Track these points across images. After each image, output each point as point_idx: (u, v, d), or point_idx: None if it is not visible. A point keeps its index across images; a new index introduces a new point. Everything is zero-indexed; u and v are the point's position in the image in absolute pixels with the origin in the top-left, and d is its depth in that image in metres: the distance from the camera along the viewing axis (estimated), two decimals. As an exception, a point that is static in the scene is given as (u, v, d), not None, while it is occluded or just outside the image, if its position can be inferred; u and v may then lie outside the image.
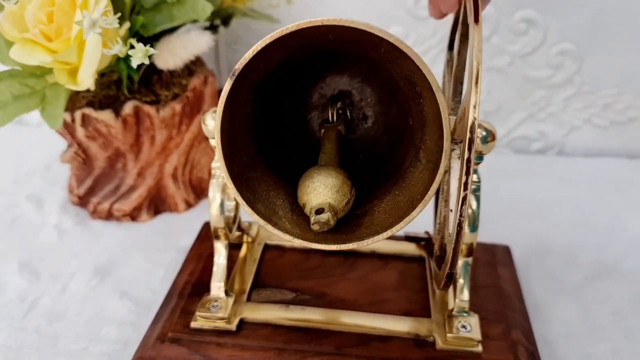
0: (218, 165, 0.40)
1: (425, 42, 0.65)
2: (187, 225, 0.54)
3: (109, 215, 0.55)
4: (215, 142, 0.32)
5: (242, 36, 0.68)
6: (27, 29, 0.40)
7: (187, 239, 0.52)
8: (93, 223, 0.55)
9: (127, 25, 0.43)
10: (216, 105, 0.56)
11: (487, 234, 0.53)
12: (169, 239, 0.53)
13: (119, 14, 0.38)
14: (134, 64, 0.37)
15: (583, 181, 0.64)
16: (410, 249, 0.46)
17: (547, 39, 0.64)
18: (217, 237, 0.40)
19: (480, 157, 0.37)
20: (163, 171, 0.55)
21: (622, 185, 0.63)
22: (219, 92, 0.61)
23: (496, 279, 0.44)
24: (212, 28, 0.57)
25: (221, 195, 0.39)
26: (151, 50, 0.37)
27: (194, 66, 0.55)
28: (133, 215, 0.55)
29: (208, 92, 0.54)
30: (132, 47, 0.37)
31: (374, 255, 0.46)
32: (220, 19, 0.57)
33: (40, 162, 0.63)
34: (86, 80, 0.41)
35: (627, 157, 0.69)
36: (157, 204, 0.56)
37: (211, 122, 0.38)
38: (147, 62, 0.38)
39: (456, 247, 0.31)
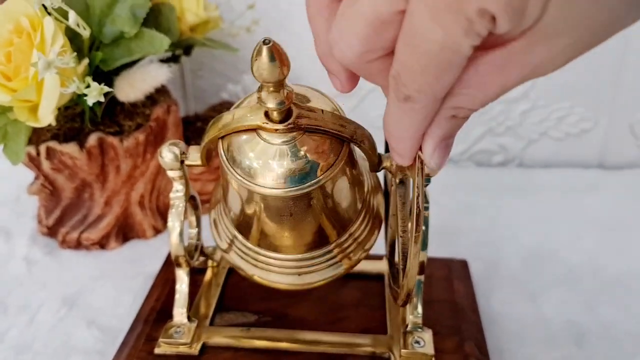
0: (177, 195, 0.41)
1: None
2: (155, 251, 0.55)
3: (78, 245, 0.56)
4: None
5: (206, 63, 0.70)
6: (-14, 70, 0.42)
7: (156, 265, 0.53)
8: (62, 253, 0.56)
9: (85, 61, 0.45)
10: (180, 133, 0.58)
11: (447, 248, 0.55)
12: (137, 265, 0.54)
13: (75, 54, 0.40)
14: (90, 102, 0.39)
15: (541, 192, 0.67)
16: (369, 268, 0.47)
17: (501, 56, 0.67)
18: (179, 265, 0.41)
19: (428, 179, 0.39)
20: (130, 199, 0.56)
21: (577, 195, 0.66)
22: (183, 119, 0.63)
23: (452, 293, 0.46)
24: (174, 58, 0.59)
25: (181, 224, 0.40)
26: (105, 89, 0.38)
27: (157, 95, 0.56)
28: (102, 244, 0.56)
29: (171, 121, 0.56)
30: (88, 85, 0.39)
31: (334, 275, 0.47)
32: (181, 49, 0.58)
33: (8, 193, 0.64)
34: (46, 117, 0.42)
35: (582, 168, 0.72)
36: (125, 231, 0.58)
37: (167, 155, 0.39)
38: (102, 99, 0.39)
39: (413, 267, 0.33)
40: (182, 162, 0.39)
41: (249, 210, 0.36)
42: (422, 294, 0.40)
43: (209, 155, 0.40)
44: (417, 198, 0.29)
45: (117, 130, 0.53)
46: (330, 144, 0.33)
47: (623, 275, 0.52)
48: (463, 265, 0.50)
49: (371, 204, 0.40)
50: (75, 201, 0.55)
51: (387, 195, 0.44)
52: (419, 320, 0.40)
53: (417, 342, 0.39)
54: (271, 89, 0.30)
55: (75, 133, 0.52)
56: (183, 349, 0.39)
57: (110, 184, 0.54)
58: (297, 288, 0.38)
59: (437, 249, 0.54)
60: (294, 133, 0.33)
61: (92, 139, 0.51)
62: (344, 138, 0.34)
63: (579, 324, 0.47)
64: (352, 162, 0.36)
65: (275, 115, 0.32)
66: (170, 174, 0.40)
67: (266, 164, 0.33)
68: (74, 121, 0.53)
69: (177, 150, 0.39)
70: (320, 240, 0.37)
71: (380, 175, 0.44)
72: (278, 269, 0.37)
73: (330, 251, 0.38)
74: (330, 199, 0.35)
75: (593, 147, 0.72)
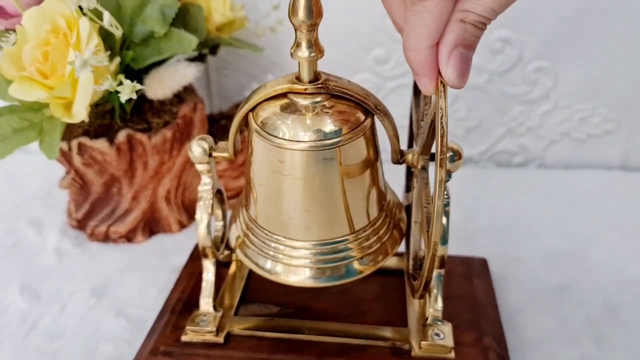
0: (205, 188, 0.43)
1: (405, 65, 0.68)
2: (180, 245, 0.57)
3: (106, 238, 0.58)
4: None
5: (230, 62, 0.71)
6: (24, 68, 0.43)
7: (180, 258, 0.54)
8: (91, 245, 0.58)
9: (117, 60, 0.46)
10: (205, 130, 0.59)
11: (467, 247, 0.56)
12: (163, 258, 0.55)
13: (109, 52, 0.41)
14: (123, 99, 0.40)
15: (562, 193, 0.67)
16: (390, 263, 0.48)
17: (522, 57, 0.67)
18: (205, 256, 0.43)
19: (449, 174, 0.40)
20: (156, 194, 0.58)
21: (599, 196, 0.65)
22: (208, 117, 0.65)
23: (471, 289, 0.46)
24: (201, 57, 0.60)
25: (208, 217, 0.42)
26: (138, 86, 0.40)
27: (184, 93, 0.58)
28: (129, 237, 0.58)
29: (197, 118, 0.57)
30: (121, 83, 0.40)
31: (355, 270, 0.48)
32: (208, 49, 0.60)
33: (40, 187, 0.66)
34: (80, 113, 0.44)
35: (604, 169, 0.72)
36: (151, 225, 0.59)
37: (197, 149, 0.41)
38: (134, 97, 0.40)
39: (432, 260, 0.34)
40: (210, 155, 0.41)
41: (278, 182, 0.37)
42: (442, 288, 0.41)
43: (235, 150, 0.41)
44: (441, 119, 0.31)
45: (145, 127, 0.54)
46: (355, 111, 0.36)
47: (643, 275, 0.52)
48: (483, 263, 0.51)
49: (393, 212, 0.41)
50: (104, 196, 0.57)
51: (408, 211, 0.44)
52: (439, 314, 0.41)
53: (437, 335, 0.40)
54: (305, 30, 0.33)
55: (105, 130, 0.54)
56: (209, 337, 0.41)
57: (138, 179, 0.56)
58: (315, 285, 0.39)
59: (457, 247, 0.55)
60: (322, 96, 0.36)
61: (122, 136, 0.52)
62: (368, 106, 0.37)
63: (599, 323, 0.47)
64: (375, 147, 0.38)
65: (305, 71, 0.35)
66: (199, 167, 0.41)
67: (293, 122, 0.35)
68: (104, 118, 0.54)
69: (205, 145, 0.41)
70: (340, 224, 0.38)
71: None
72: (296, 261, 0.38)
73: (348, 245, 0.38)
74: (351, 173, 0.37)
75: (616, 148, 0.72)
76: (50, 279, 0.53)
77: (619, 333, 0.46)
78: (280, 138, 0.35)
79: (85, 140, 0.52)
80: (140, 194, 0.57)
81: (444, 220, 0.40)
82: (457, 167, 0.40)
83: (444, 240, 0.40)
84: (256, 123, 0.37)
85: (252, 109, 0.37)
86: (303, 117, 0.35)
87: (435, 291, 0.41)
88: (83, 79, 0.42)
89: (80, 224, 0.59)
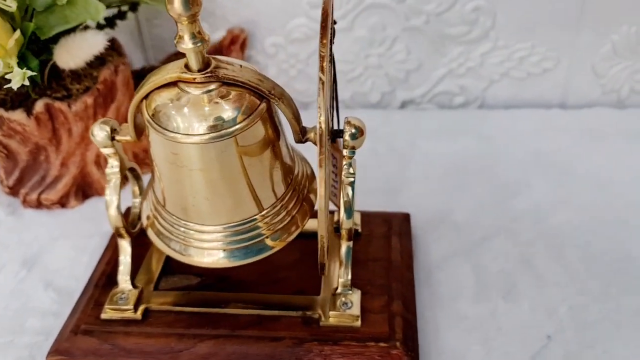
0: (113, 171, 0.43)
1: (341, 8, 0.66)
2: (114, 209, 0.57)
3: (39, 204, 0.58)
4: None
5: (162, 11, 0.69)
6: None
7: (113, 223, 0.55)
8: (25, 212, 0.58)
9: (17, 34, 0.44)
10: (130, 91, 0.58)
11: (396, 200, 0.57)
12: (96, 224, 0.56)
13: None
14: (14, 86, 0.39)
15: (501, 134, 0.67)
16: (311, 226, 0.49)
17: (460, -4, 0.66)
18: (120, 236, 0.43)
19: (353, 151, 0.40)
20: (86, 159, 0.57)
21: (535, 137, 0.66)
22: (140, 71, 0.63)
23: (388, 251, 0.47)
24: (121, 15, 0.58)
25: (117, 198, 0.42)
26: (29, 73, 0.39)
27: (105, 53, 0.56)
28: (62, 203, 0.58)
29: (120, 81, 0.56)
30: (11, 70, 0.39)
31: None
32: (127, 5, 0.57)
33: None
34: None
35: (544, 108, 0.72)
36: (85, 189, 0.59)
37: (99, 134, 0.40)
38: (27, 83, 0.39)
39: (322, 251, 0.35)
40: (113, 139, 0.41)
41: (175, 173, 0.37)
42: (351, 259, 0.42)
43: (139, 130, 0.41)
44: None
45: (65, 95, 0.53)
46: (248, 97, 0.35)
47: (561, 225, 0.53)
48: (405, 218, 0.51)
49: (302, 184, 0.41)
50: (32, 163, 0.57)
51: None
52: (348, 283, 0.42)
53: (345, 304, 0.42)
54: (185, 22, 0.32)
55: (22, 98, 0.53)
56: (128, 314, 0.42)
57: (64, 146, 0.55)
58: (228, 265, 0.40)
59: (386, 200, 0.56)
60: (214, 85, 0.35)
61: (39, 106, 0.51)
62: (261, 92, 0.36)
63: (513, 276, 0.49)
64: (274, 127, 0.38)
65: (193, 61, 0.34)
66: (104, 151, 0.41)
67: (187, 114, 0.35)
68: (20, 87, 0.53)
69: (108, 129, 0.40)
70: (246, 205, 0.39)
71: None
72: (207, 244, 0.39)
73: (258, 224, 0.39)
74: (251, 157, 0.37)
75: (555, 86, 0.72)
76: (-19, 249, 0.54)
77: (529, 284, 0.48)
78: (173, 132, 0.35)
79: (1, 112, 0.51)
80: (68, 160, 0.57)
81: (350, 191, 0.40)
82: (360, 143, 0.39)
83: (349, 214, 0.40)
84: (148, 113, 0.36)
85: (146, 96, 0.37)
86: (195, 107, 0.35)
87: (344, 263, 0.42)
88: (-25, 64, 0.40)
89: (13, 191, 0.59)
